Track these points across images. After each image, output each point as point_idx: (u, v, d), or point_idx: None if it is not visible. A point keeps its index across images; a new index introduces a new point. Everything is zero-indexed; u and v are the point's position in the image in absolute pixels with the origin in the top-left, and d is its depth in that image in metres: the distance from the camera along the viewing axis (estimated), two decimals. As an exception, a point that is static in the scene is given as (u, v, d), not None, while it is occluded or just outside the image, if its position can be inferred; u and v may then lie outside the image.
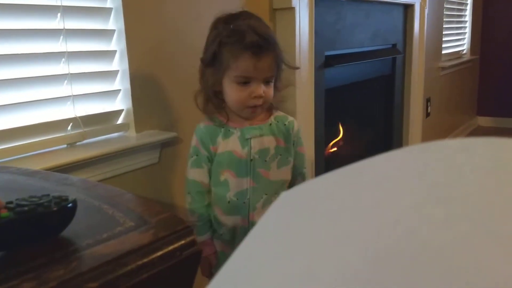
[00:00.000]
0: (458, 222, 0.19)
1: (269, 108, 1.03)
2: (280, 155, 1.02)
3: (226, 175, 1.00)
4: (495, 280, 0.16)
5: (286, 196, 0.27)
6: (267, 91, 0.97)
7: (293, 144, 1.05)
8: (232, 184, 1.01)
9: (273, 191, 1.02)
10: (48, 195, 0.51)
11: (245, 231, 1.00)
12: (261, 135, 1.00)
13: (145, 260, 0.49)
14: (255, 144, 1.00)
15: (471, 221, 0.19)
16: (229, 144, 1.00)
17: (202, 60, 0.99)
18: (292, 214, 0.26)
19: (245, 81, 0.95)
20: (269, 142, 1.01)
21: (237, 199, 1.01)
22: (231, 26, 0.94)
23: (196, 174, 1.02)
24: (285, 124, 1.04)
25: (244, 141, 0.99)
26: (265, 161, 1.01)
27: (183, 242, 0.54)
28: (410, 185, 0.23)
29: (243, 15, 0.97)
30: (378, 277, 0.18)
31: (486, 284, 0.16)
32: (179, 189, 1.33)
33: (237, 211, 1.02)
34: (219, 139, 1.00)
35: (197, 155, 1.01)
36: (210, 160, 1.01)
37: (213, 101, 1.00)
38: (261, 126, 1.01)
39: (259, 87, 0.95)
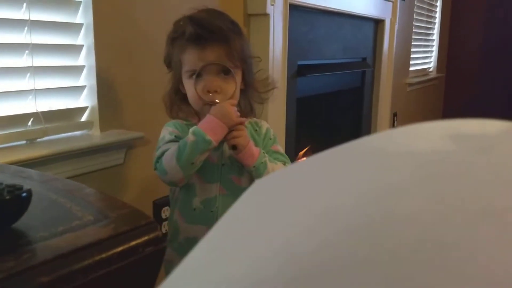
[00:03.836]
0: (441, 200, 0.18)
1: (245, 112, 0.97)
2: None
3: (193, 179, 0.92)
4: (482, 261, 0.15)
5: (259, 183, 0.27)
6: (224, 85, 0.90)
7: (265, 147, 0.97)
8: (199, 189, 0.93)
9: None
10: (1, 183, 0.48)
11: None
12: None
13: (103, 255, 0.46)
14: (228, 148, 0.92)
15: (455, 199, 0.18)
16: None
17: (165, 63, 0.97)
18: (266, 198, 0.25)
19: (197, 75, 0.89)
20: None
21: (204, 207, 0.93)
22: (174, 23, 0.93)
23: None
24: (256, 130, 0.98)
25: None
26: (238, 166, 0.93)
27: (146, 238, 0.51)
28: (391, 165, 0.22)
29: (199, 11, 0.93)
30: (355, 255, 0.17)
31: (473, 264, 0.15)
32: (144, 192, 1.29)
33: (203, 221, 0.92)
34: None
35: (175, 136, 0.92)
36: None
37: (177, 104, 0.95)
38: None
39: (211, 80, 0.89)
